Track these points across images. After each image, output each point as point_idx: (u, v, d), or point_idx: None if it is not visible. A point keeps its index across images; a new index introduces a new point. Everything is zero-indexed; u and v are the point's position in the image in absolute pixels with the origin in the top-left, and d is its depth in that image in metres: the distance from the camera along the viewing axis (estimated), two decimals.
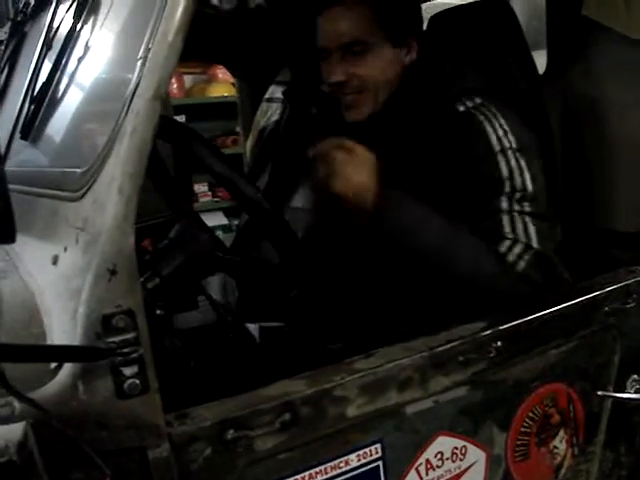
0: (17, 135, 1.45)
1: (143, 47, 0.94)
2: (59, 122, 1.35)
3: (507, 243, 1.35)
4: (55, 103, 1.36)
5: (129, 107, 0.93)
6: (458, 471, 1.24)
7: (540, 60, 1.74)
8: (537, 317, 1.29)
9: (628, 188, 1.57)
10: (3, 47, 1.95)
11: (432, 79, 1.50)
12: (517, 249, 1.35)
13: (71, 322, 0.90)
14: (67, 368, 0.89)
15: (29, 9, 1.81)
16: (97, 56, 1.28)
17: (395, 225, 1.33)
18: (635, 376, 1.45)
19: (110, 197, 0.90)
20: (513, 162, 1.39)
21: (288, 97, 1.80)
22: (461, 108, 1.44)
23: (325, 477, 1.09)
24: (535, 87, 1.64)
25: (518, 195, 1.38)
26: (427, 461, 1.20)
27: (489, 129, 1.41)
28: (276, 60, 1.96)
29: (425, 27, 1.72)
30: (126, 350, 0.89)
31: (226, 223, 4.66)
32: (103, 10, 1.29)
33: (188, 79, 4.95)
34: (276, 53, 1.99)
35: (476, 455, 1.26)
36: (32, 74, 1.48)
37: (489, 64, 1.57)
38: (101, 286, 0.89)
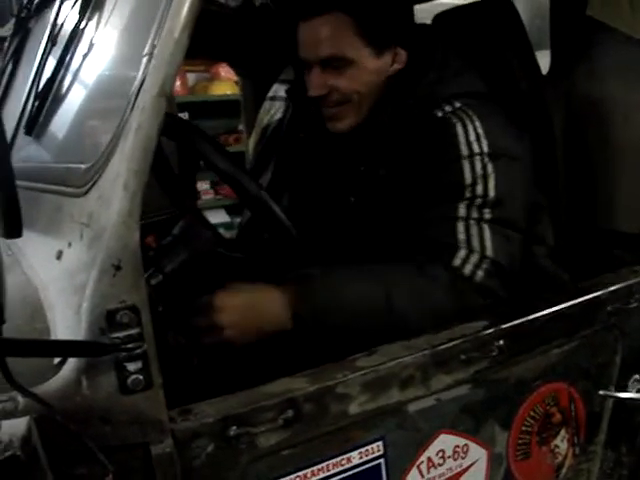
0: (21, 131, 1.45)
1: (149, 43, 0.94)
2: (63, 118, 1.36)
3: (462, 254, 1.32)
4: (59, 99, 1.36)
5: (134, 103, 0.93)
6: (459, 469, 1.24)
7: (542, 60, 1.74)
8: (539, 316, 1.29)
9: (632, 189, 1.57)
10: (7, 43, 1.95)
11: (414, 86, 1.46)
12: (473, 259, 1.32)
13: (75, 317, 0.91)
14: (71, 363, 0.90)
15: (33, 5, 1.81)
16: (102, 52, 1.28)
17: (319, 317, 1.27)
18: (637, 376, 1.45)
19: (115, 193, 0.91)
20: (479, 167, 1.36)
21: (291, 95, 1.80)
22: (439, 114, 1.41)
23: (327, 474, 1.09)
24: (538, 87, 1.63)
25: (478, 201, 1.34)
26: (429, 459, 1.20)
27: (460, 132, 1.38)
28: (280, 58, 1.96)
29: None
30: (130, 346, 0.89)
31: (228, 221, 4.65)
32: (108, 6, 1.29)
33: (191, 77, 4.94)
34: (280, 51, 1.98)
35: (477, 453, 1.26)
36: (37, 70, 1.48)
37: (490, 64, 1.57)
38: (105, 281, 0.89)
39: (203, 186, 4.79)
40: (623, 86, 1.57)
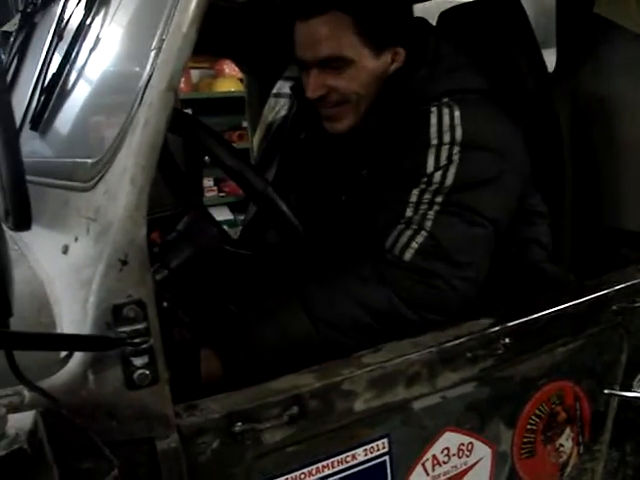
0: (27, 126, 1.44)
1: (157, 38, 0.94)
2: (70, 113, 1.35)
3: (397, 230, 1.28)
4: (66, 94, 1.36)
5: (142, 98, 0.93)
6: (464, 467, 1.24)
7: (548, 59, 1.73)
8: (545, 314, 1.29)
9: (639, 187, 1.57)
10: (12, 38, 1.95)
11: (405, 84, 1.43)
12: (408, 232, 1.27)
13: (81, 312, 0.91)
14: (77, 357, 0.90)
15: (39, 1, 1.81)
16: (108, 47, 1.28)
17: (256, 362, 1.22)
18: None
19: (122, 187, 0.91)
20: (444, 156, 1.30)
21: (296, 92, 1.80)
22: (424, 108, 1.38)
23: (332, 471, 1.09)
24: (545, 86, 1.63)
25: (433, 187, 1.29)
26: (434, 457, 1.20)
27: (433, 122, 1.33)
28: (284, 55, 1.95)
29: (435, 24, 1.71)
30: (136, 340, 0.89)
31: (231, 218, 4.66)
32: (115, 1, 1.29)
33: (195, 74, 4.94)
34: (285, 48, 1.98)
35: (482, 451, 1.26)
36: (42, 65, 1.47)
37: (496, 62, 1.56)
38: (112, 276, 0.89)
39: (207, 183, 4.78)
40: (630, 84, 1.56)
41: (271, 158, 1.85)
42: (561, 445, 1.38)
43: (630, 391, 1.43)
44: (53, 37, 1.49)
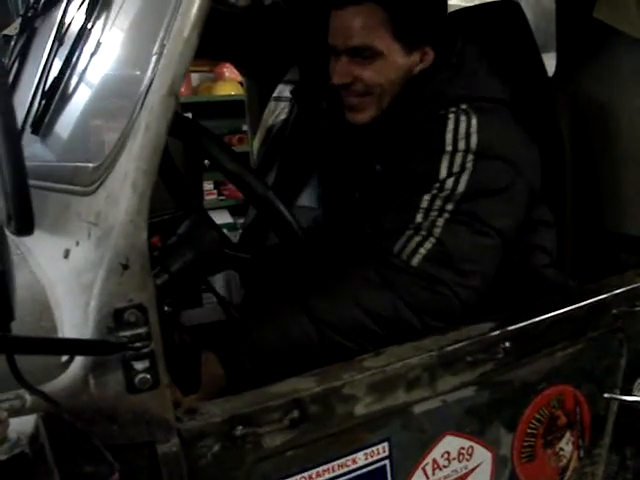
0: (28, 130, 1.45)
1: (158, 43, 0.94)
2: (70, 117, 1.35)
3: (406, 235, 1.27)
4: (66, 98, 1.36)
5: (143, 103, 0.93)
6: (464, 471, 1.24)
7: (548, 63, 1.73)
8: (545, 319, 1.29)
9: (639, 192, 1.57)
10: (13, 42, 1.95)
11: (426, 84, 1.44)
12: (417, 239, 1.27)
13: (82, 316, 0.91)
14: (78, 362, 0.90)
15: (39, 5, 1.81)
16: (109, 51, 1.28)
17: (260, 367, 1.21)
18: None
19: (123, 192, 0.91)
20: (458, 163, 1.31)
21: (296, 96, 1.80)
22: (441, 113, 1.39)
23: (332, 475, 1.09)
24: (544, 90, 1.63)
25: (444, 194, 1.29)
26: (434, 461, 1.20)
27: (450, 128, 1.34)
28: (285, 59, 1.96)
29: None
30: (137, 345, 0.89)
31: (231, 221, 4.66)
32: (115, 5, 1.29)
33: (195, 77, 4.94)
34: (285, 52, 1.98)
35: (482, 455, 1.26)
36: (43, 69, 1.48)
37: (498, 67, 1.56)
38: (113, 280, 0.89)
39: (207, 186, 4.79)
40: (630, 89, 1.56)
41: (271, 162, 1.85)
42: (561, 449, 1.38)
43: (630, 395, 1.43)
44: (54, 41, 1.50)
